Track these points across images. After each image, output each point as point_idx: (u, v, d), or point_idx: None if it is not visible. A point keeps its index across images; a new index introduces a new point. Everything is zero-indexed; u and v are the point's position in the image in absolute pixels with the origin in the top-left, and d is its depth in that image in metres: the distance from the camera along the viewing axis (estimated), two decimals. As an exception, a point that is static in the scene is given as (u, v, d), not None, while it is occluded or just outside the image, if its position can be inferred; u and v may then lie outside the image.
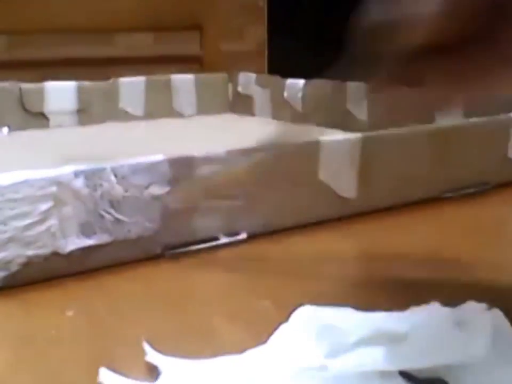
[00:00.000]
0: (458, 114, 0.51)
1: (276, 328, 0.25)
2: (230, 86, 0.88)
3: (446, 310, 0.25)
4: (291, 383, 0.22)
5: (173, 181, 0.36)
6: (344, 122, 0.70)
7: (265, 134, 0.42)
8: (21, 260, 0.32)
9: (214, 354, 0.25)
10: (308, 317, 0.25)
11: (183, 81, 0.84)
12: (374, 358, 0.23)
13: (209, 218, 0.38)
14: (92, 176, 0.34)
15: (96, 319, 0.30)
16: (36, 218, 0.32)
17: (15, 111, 0.75)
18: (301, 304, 0.26)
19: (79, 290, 0.33)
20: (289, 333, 0.25)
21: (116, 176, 0.34)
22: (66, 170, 0.33)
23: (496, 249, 0.39)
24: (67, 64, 1.09)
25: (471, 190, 0.48)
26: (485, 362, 0.22)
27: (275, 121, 0.81)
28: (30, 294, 0.32)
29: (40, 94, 0.75)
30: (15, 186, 0.32)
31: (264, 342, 0.25)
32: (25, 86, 0.75)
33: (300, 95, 0.78)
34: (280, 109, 0.81)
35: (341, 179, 0.42)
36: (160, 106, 0.83)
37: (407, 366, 0.23)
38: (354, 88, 0.72)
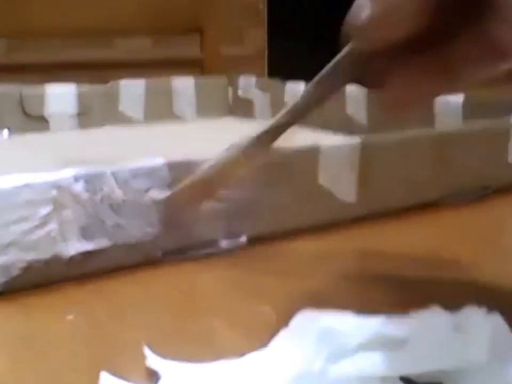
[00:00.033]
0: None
1: (276, 333, 0.25)
2: (230, 90, 0.88)
3: (446, 315, 0.25)
4: (291, 387, 0.22)
5: (173, 185, 0.36)
6: (344, 125, 0.70)
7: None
8: (21, 264, 0.32)
9: (214, 358, 0.25)
10: (308, 321, 0.25)
11: (183, 84, 0.84)
12: (374, 363, 0.23)
13: (209, 222, 0.38)
14: (92, 180, 0.34)
15: (96, 323, 0.30)
16: (36, 223, 0.32)
17: (15, 114, 0.74)
18: (301, 309, 0.26)
19: (79, 294, 0.33)
20: (289, 338, 0.25)
21: (116, 180, 0.34)
22: (66, 174, 0.33)
23: (497, 253, 0.39)
24: (67, 67, 1.09)
25: (472, 195, 0.48)
26: (484, 367, 0.22)
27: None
28: (30, 298, 0.32)
29: (40, 97, 0.75)
30: (15, 190, 0.32)
31: (265, 346, 0.25)
32: (25, 89, 0.75)
33: (299, 98, 0.78)
34: (280, 113, 0.81)
35: (341, 183, 0.42)
36: (160, 110, 0.82)
37: (407, 371, 0.23)
38: (354, 91, 0.72)
